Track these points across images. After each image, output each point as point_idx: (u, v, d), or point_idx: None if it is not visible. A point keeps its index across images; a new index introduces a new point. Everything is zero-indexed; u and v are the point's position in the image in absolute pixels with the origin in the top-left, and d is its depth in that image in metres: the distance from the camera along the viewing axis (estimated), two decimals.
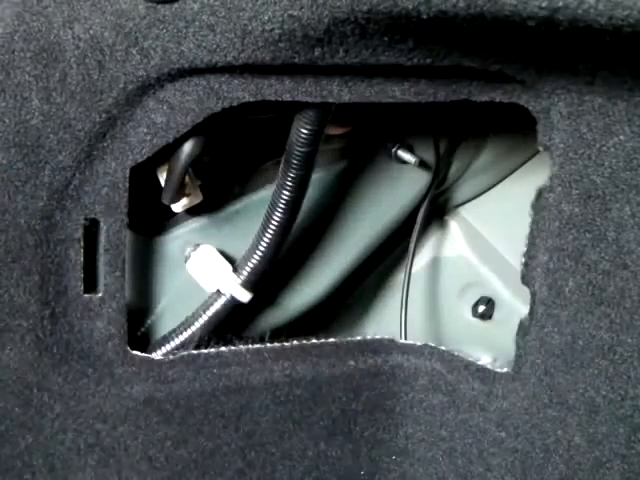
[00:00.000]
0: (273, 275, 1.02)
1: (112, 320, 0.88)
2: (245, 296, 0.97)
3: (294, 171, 0.90)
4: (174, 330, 0.98)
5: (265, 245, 0.95)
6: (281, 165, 0.91)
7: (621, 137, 0.80)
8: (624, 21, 0.63)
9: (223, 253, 0.99)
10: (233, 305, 0.98)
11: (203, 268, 0.96)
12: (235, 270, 0.97)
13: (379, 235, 1.14)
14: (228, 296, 0.97)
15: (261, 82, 0.79)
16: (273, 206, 0.93)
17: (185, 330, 0.97)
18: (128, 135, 0.80)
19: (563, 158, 0.83)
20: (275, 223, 0.93)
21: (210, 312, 0.97)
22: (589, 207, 0.84)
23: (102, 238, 0.85)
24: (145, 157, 0.82)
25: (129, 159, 0.81)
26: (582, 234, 0.85)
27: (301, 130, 0.87)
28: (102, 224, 0.84)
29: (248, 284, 0.97)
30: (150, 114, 0.80)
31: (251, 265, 0.96)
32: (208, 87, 0.79)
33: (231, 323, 0.99)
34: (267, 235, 0.94)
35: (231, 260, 0.98)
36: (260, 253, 0.95)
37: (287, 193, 0.91)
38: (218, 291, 0.97)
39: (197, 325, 0.97)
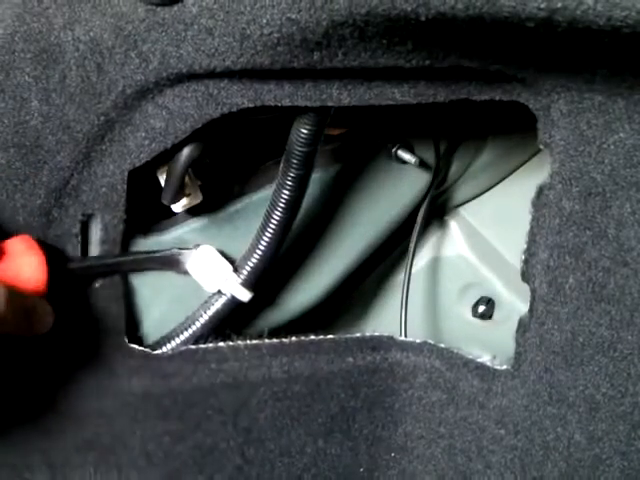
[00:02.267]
0: (273, 275, 1.02)
1: (110, 314, 0.88)
2: (245, 295, 0.96)
3: (294, 171, 0.90)
4: (175, 330, 0.98)
5: (265, 244, 0.95)
6: (281, 165, 0.91)
7: (621, 134, 0.80)
8: (622, 22, 0.63)
9: (223, 253, 0.99)
10: (234, 304, 0.98)
11: (203, 268, 0.96)
12: (235, 270, 0.97)
13: (379, 235, 1.14)
14: (229, 296, 0.97)
15: (260, 87, 0.79)
16: (273, 205, 0.93)
17: (186, 330, 0.97)
18: (126, 139, 0.80)
19: (563, 155, 0.83)
20: (275, 222, 0.93)
21: (211, 312, 0.97)
22: (589, 204, 0.84)
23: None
24: (143, 161, 0.82)
25: (127, 163, 0.82)
26: (582, 231, 0.85)
27: (301, 130, 0.87)
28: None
29: (248, 283, 0.97)
30: (149, 119, 0.80)
31: (251, 264, 0.96)
32: (207, 93, 0.79)
33: (232, 322, 0.99)
34: (267, 234, 0.94)
35: (231, 260, 0.98)
36: (260, 252, 0.95)
37: (287, 192, 0.91)
38: (219, 291, 0.97)
39: (198, 325, 0.97)
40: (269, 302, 1.05)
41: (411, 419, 1.01)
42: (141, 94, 0.78)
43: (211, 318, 0.97)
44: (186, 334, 0.96)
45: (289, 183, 0.91)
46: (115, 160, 0.81)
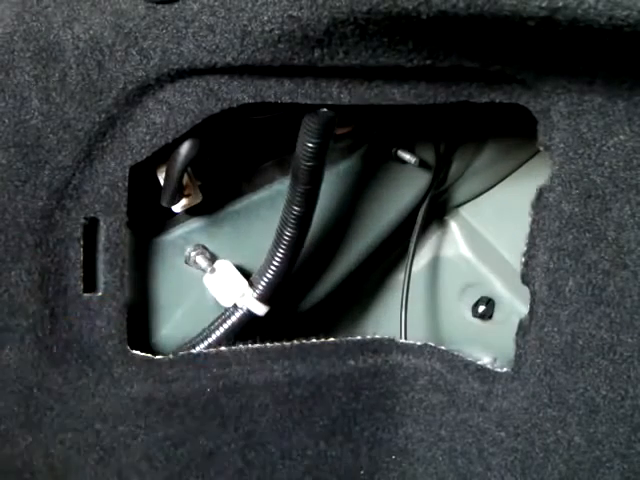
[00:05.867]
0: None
1: (112, 319, 0.88)
2: (261, 310, 0.98)
3: (302, 186, 0.90)
4: (191, 341, 0.99)
5: (279, 260, 0.96)
6: (290, 181, 0.92)
7: (621, 137, 0.80)
8: (624, 21, 0.63)
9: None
10: (249, 318, 0.99)
11: (220, 283, 0.98)
12: (251, 284, 0.98)
13: (379, 235, 1.14)
14: (245, 310, 0.98)
15: (260, 84, 0.79)
16: (284, 222, 0.94)
17: (202, 342, 0.98)
18: (127, 135, 0.80)
19: (563, 158, 0.83)
20: (287, 238, 0.94)
21: (227, 325, 0.99)
22: (589, 207, 0.83)
23: (102, 237, 0.85)
24: (144, 157, 0.82)
25: (128, 159, 0.81)
26: (582, 234, 0.85)
27: (307, 144, 0.87)
28: (102, 223, 0.84)
29: (264, 298, 0.98)
30: (149, 114, 0.80)
31: (266, 279, 0.97)
32: (207, 88, 0.79)
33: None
34: (280, 250, 0.95)
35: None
36: (274, 268, 0.97)
37: (297, 208, 0.92)
38: (235, 305, 0.98)
39: (214, 337, 0.98)
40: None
41: (412, 422, 1.01)
42: (142, 90, 0.78)
43: (227, 331, 0.98)
44: (202, 346, 0.98)
45: (298, 198, 0.92)
46: (116, 157, 0.81)
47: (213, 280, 0.98)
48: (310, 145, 0.86)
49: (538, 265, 0.88)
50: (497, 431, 0.96)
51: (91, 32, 0.74)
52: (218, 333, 0.98)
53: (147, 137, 0.81)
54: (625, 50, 0.70)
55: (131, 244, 0.91)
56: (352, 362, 0.99)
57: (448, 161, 1.22)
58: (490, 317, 1.31)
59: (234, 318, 0.98)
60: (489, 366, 0.96)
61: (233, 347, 0.95)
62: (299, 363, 0.97)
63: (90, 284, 0.87)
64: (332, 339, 0.98)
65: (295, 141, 0.88)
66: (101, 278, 0.87)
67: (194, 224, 1.00)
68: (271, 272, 0.97)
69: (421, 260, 1.34)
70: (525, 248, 0.89)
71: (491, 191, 1.32)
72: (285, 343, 0.96)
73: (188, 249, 0.99)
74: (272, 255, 0.96)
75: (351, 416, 1.01)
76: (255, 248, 1.01)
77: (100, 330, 0.88)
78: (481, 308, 1.29)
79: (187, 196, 0.94)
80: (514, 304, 1.29)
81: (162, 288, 0.99)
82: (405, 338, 1.09)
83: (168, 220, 0.99)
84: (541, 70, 0.78)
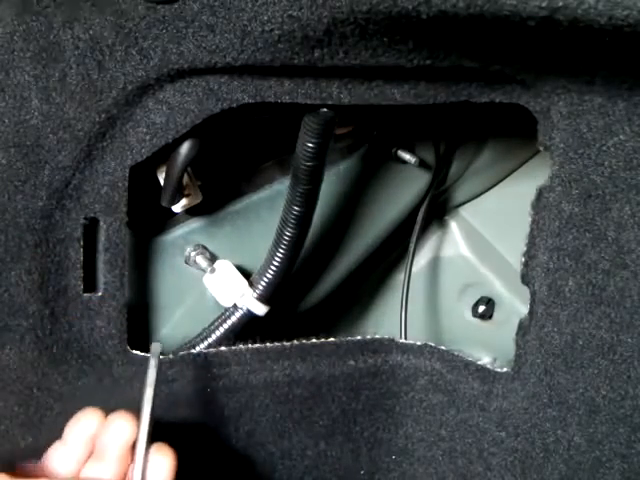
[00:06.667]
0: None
1: (112, 319, 0.88)
2: (261, 309, 0.98)
3: (302, 186, 0.90)
4: (191, 341, 0.99)
5: (279, 260, 0.96)
6: (290, 181, 0.92)
7: (621, 137, 0.80)
8: (624, 21, 0.63)
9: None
10: (249, 318, 0.99)
11: (220, 283, 0.98)
12: (250, 284, 0.98)
13: (379, 235, 1.14)
14: (244, 310, 0.98)
15: (260, 84, 0.79)
16: (284, 222, 0.94)
17: (202, 342, 0.98)
18: (127, 135, 0.80)
19: (563, 158, 0.83)
20: (287, 238, 0.95)
21: (227, 325, 0.99)
22: (589, 207, 0.83)
23: (102, 237, 0.85)
24: (144, 157, 0.82)
25: (128, 159, 0.81)
26: (582, 234, 0.85)
27: (307, 144, 0.87)
28: (102, 223, 0.84)
29: (264, 298, 0.98)
30: (150, 114, 0.80)
31: (266, 279, 0.98)
32: (207, 88, 0.79)
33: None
34: (280, 250, 0.96)
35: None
36: (274, 267, 0.97)
37: (297, 208, 0.92)
38: (235, 305, 0.99)
39: (214, 337, 0.99)
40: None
41: (412, 421, 1.01)
42: (142, 90, 0.78)
43: (227, 331, 0.99)
44: (202, 346, 0.98)
45: (298, 198, 0.92)
46: (116, 157, 0.81)
47: (213, 280, 0.98)
48: (310, 145, 0.86)
49: (538, 265, 0.88)
50: (497, 431, 0.96)
51: (91, 32, 0.74)
52: (218, 333, 0.98)
53: (147, 137, 0.81)
54: (625, 50, 0.69)
55: (131, 244, 0.91)
56: (352, 362, 0.99)
57: (448, 161, 1.23)
58: (490, 317, 1.31)
59: (234, 318, 0.98)
60: (489, 366, 0.96)
61: (233, 347, 0.94)
62: (299, 363, 0.97)
63: (90, 284, 0.87)
64: (332, 339, 0.98)
65: (295, 141, 0.88)
66: (101, 278, 0.87)
67: (194, 224, 1.00)
68: (271, 272, 0.97)
69: (421, 260, 1.34)
70: (525, 248, 0.89)
71: (491, 191, 1.32)
72: (285, 343, 0.96)
73: (188, 249, 0.99)
74: (272, 255, 0.96)
75: (351, 416, 1.01)
76: (255, 248, 1.01)
77: (100, 330, 0.88)
78: (481, 308, 1.30)
79: (187, 196, 0.94)
80: (514, 304, 1.29)
81: (162, 288, 0.99)
82: (405, 338, 1.09)
83: (168, 220, 0.99)
84: (541, 70, 0.78)
